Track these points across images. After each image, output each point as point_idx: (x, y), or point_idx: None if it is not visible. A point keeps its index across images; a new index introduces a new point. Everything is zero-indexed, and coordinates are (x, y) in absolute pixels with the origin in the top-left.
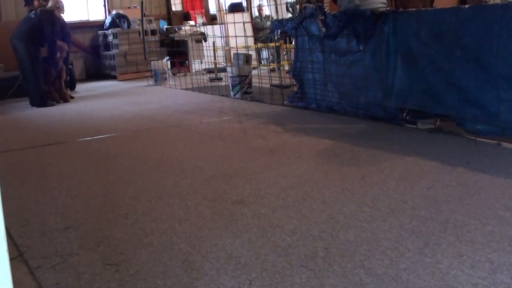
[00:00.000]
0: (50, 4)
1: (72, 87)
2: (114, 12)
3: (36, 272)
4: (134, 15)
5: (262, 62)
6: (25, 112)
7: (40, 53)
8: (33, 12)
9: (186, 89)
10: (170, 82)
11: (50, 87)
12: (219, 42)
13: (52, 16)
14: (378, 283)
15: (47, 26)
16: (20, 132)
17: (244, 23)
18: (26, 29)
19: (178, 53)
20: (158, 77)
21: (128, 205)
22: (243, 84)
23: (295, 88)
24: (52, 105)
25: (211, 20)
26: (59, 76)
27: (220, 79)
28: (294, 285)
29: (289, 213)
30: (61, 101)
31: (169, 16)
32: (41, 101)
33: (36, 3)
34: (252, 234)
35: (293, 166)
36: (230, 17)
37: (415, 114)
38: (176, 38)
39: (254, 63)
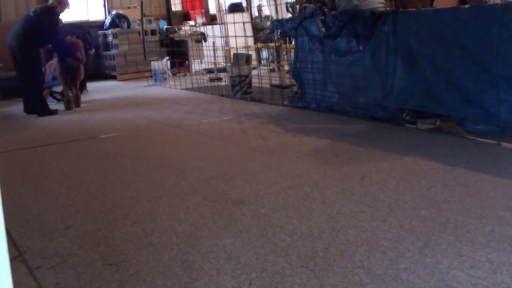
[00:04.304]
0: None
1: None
2: (114, 12)
3: (36, 272)
4: (134, 15)
5: (262, 62)
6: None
7: (40, 55)
8: (32, 10)
9: (186, 89)
10: (170, 82)
11: (67, 91)
12: (219, 42)
13: (53, 13)
14: (378, 283)
15: (47, 25)
16: (20, 132)
17: (244, 23)
18: (23, 29)
19: (178, 53)
20: (158, 77)
21: (128, 205)
22: (243, 84)
23: (295, 88)
24: (55, 113)
25: (211, 20)
26: (73, 78)
27: (220, 79)
28: (294, 285)
29: (289, 213)
30: (71, 107)
31: (169, 16)
32: (42, 109)
33: None
34: (252, 234)
35: (293, 166)
36: (230, 17)
37: (415, 114)
38: (176, 38)
39: (254, 63)
